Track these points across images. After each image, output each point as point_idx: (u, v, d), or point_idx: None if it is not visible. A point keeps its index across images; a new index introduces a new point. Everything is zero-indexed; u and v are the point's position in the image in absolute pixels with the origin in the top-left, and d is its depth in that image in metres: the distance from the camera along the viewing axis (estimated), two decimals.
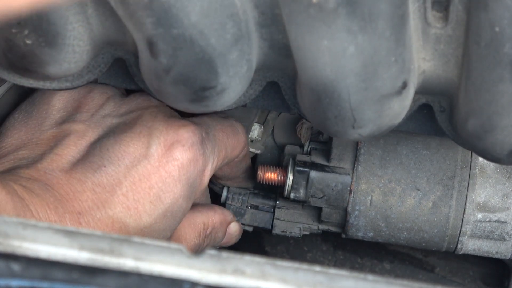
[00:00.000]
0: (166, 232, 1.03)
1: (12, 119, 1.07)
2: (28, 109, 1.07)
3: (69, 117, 1.05)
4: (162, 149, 1.01)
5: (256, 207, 1.21)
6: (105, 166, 1.00)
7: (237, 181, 1.21)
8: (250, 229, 1.22)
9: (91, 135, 1.03)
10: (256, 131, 1.20)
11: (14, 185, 0.95)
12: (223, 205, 1.21)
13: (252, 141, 1.21)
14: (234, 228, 1.17)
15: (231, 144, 1.09)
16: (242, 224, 1.21)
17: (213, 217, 1.14)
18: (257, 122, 1.21)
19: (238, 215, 1.20)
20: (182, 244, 0.69)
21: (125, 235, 0.98)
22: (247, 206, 1.21)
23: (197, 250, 1.11)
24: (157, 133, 1.02)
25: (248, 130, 1.20)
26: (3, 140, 1.05)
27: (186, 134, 1.02)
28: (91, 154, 1.01)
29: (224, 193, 1.21)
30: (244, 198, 1.21)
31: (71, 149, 1.01)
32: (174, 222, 1.03)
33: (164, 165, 1.01)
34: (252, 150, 1.21)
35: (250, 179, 1.21)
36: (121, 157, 1.00)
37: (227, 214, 1.16)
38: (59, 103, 1.06)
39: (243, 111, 1.18)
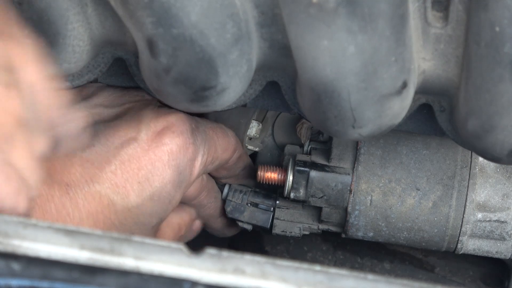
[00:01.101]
0: (152, 218, 1.03)
1: None
2: None
3: None
4: (152, 134, 1.02)
5: (255, 205, 1.21)
6: (94, 146, 1.00)
7: (238, 179, 1.21)
8: (249, 227, 1.22)
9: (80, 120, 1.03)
10: (254, 128, 1.20)
11: None
12: (224, 201, 1.21)
13: (250, 138, 1.21)
14: (197, 225, 1.19)
15: (222, 144, 1.10)
16: (241, 221, 1.21)
17: (185, 217, 1.15)
18: (256, 120, 1.21)
19: (237, 211, 1.20)
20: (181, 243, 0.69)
21: (113, 212, 0.99)
22: (247, 204, 1.21)
23: None
24: (147, 119, 1.02)
25: (246, 127, 1.20)
26: None
27: (176, 122, 1.03)
28: None
29: (226, 190, 1.21)
30: (244, 195, 1.21)
31: None
32: (161, 209, 1.03)
33: (153, 149, 1.01)
34: (250, 147, 1.21)
35: (252, 177, 1.21)
36: (111, 139, 1.01)
37: (193, 213, 1.17)
38: None
39: (241, 108, 1.18)
